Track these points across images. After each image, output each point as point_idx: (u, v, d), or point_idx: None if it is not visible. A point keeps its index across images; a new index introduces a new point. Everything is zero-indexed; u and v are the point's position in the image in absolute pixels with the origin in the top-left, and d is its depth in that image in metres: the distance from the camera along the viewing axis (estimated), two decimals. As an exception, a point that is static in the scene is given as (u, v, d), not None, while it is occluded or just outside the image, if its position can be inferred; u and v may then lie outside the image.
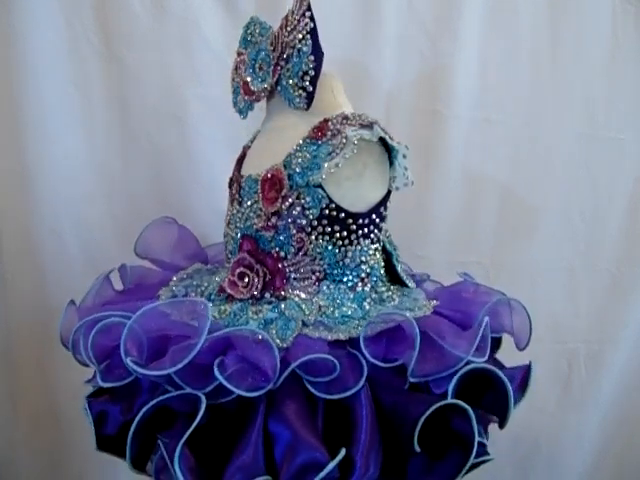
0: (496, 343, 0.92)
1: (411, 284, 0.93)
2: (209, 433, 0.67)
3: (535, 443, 1.60)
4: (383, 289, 0.87)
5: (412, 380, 0.71)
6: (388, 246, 0.91)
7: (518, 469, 1.61)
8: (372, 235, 0.84)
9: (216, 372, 0.65)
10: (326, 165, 0.76)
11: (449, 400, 0.68)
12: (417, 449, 0.65)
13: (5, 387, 1.37)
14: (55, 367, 1.36)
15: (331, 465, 0.61)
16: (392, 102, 1.35)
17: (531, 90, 1.38)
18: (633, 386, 1.56)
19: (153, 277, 1.03)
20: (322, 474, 0.61)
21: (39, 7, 1.18)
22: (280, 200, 0.79)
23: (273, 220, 0.80)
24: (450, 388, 0.70)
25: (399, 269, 0.91)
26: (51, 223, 1.28)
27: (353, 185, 0.80)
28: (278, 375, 0.67)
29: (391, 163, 0.84)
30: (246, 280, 0.84)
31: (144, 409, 0.67)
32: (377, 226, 0.84)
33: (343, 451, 0.63)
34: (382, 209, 0.85)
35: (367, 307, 0.82)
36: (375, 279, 0.86)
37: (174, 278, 0.98)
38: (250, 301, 0.83)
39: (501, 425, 0.76)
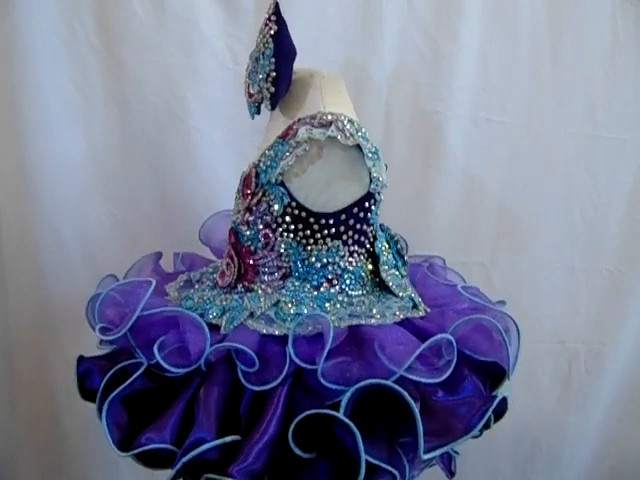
0: (492, 370, 0.84)
1: (402, 292, 0.88)
2: (153, 400, 0.76)
3: (535, 443, 1.60)
4: (357, 293, 0.85)
5: (324, 384, 0.70)
6: (378, 250, 0.87)
7: (518, 469, 1.62)
8: (345, 237, 0.82)
9: (155, 350, 0.73)
10: (281, 164, 0.79)
11: (315, 410, 0.67)
12: (297, 452, 0.67)
13: (5, 387, 1.37)
14: (55, 367, 1.37)
15: (205, 446, 0.67)
16: (392, 102, 1.35)
17: (531, 90, 1.38)
18: (633, 386, 1.56)
19: (201, 263, 1.08)
20: (195, 452, 0.67)
21: (39, 7, 1.18)
22: (250, 196, 0.83)
23: (247, 215, 0.84)
24: (344, 399, 0.68)
25: (384, 275, 0.87)
26: (51, 223, 1.28)
27: (311, 184, 0.80)
28: (205, 358, 0.73)
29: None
30: (229, 270, 0.89)
31: (110, 372, 0.77)
32: (352, 228, 0.83)
33: (227, 438, 0.69)
34: (357, 211, 0.82)
35: (328, 308, 0.82)
36: (350, 282, 0.85)
37: (210, 265, 1.04)
38: (225, 290, 0.88)
39: (412, 455, 0.71)
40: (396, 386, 0.68)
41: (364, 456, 0.65)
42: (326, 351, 0.70)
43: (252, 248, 0.85)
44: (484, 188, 1.43)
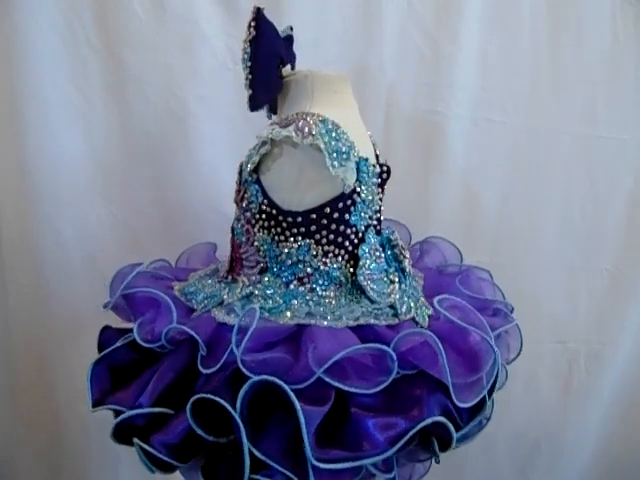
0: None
1: (381, 298, 0.84)
2: (135, 370, 0.82)
3: (535, 443, 1.60)
4: (329, 293, 0.84)
5: (244, 372, 0.70)
6: (362, 253, 0.85)
7: (518, 469, 1.62)
8: (317, 236, 0.82)
9: (135, 325, 0.82)
10: (250, 161, 0.83)
11: (202, 395, 0.70)
12: (199, 432, 0.71)
13: (5, 387, 1.37)
14: (55, 367, 1.37)
15: (133, 412, 0.74)
16: (392, 102, 1.35)
17: (531, 90, 1.38)
18: (633, 386, 1.56)
19: None
20: (124, 415, 0.75)
21: (39, 7, 1.18)
22: (236, 193, 0.87)
23: (236, 211, 0.88)
24: (242, 391, 0.68)
25: (361, 279, 0.84)
26: (51, 223, 1.28)
27: (279, 182, 0.81)
28: (167, 337, 0.79)
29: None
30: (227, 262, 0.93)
31: (117, 342, 0.85)
32: (326, 228, 0.82)
33: (155, 409, 0.74)
34: (329, 211, 0.81)
35: (295, 306, 0.82)
36: (322, 282, 0.84)
37: None
38: (220, 279, 0.92)
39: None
40: (281, 383, 0.67)
41: (246, 443, 0.66)
42: (245, 342, 0.71)
43: (239, 242, 0.88)
44: (484, 188, 1.43)
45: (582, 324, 1.53)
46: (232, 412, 0.67)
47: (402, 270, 0.90)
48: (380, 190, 0.87)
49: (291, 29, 0.94)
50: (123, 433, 0.76)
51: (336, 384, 0.70)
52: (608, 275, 1.50)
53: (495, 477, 1.61)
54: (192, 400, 0.70)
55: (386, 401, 0.73)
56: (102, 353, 0.83)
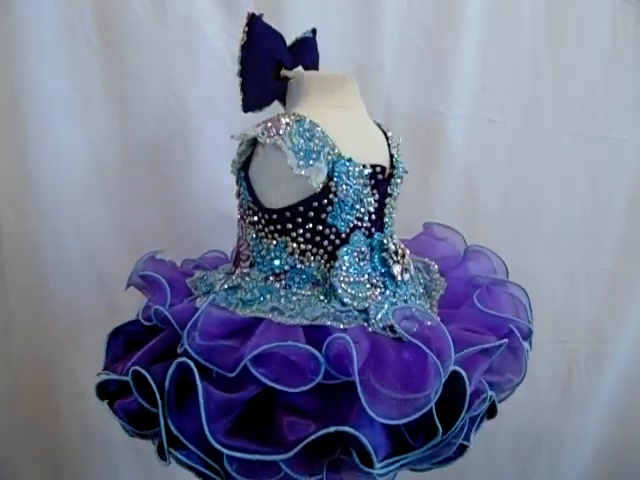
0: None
1: (354, 301, 0.81)
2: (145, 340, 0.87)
3: (535, 443, 1.60)
4: (304, 292, 0.83)
5: (193, 355, 0.73)
6: (342, 254, 0.83)
7: (518, 469, 1.62)
8: (294, 234, 0.82)
9: (142, 307, 0.89)
10: (233, 160, 0.86)
11: (137, 368, 0.75)
12: (140, 400, 0.76)
13: (5, 387, 1.37)
14: (55, 367, 1.37)
15: (103, 378, 0.83)
16: (392, 102, 1.35)
17: (531, 90, 1.38)
18: (633, 386, 1.56)
19: None
20: (100, 379, 0.83)
21: (39, 7, 1.18)
22: (235, 189, 0.89)
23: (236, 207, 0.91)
24: (169, 373, 0.72)
25: (334, 280, 0.81)
26: (51, 222, 1.28)
27: (259, 180, 0.83)
28: (158, 317, 0.84)
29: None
30: None
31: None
32: (302, 227, 0.81)
33: (122, 377, 0.80)
34: (303, 210, 0.80)
35: (268, 300, 0.83)
36: (298, 279, 0.83)
37: None
38: (227, 270, 0.96)
39: None
40: (192, 366, 0.70)
41: (162, 417, 0.70)
42: (189, 326, 0.74)
43: (238, 236, 0.91)
44: (484, 188, 1.43)
45: (582, 324, 1.53)
46: (153, 385, 0.71)
47: (391, 275, 0.86)
48: (377, 191, 0.85)
49: (313, 32, 0.96)
50: (104, 396, 0.83)
51: (260, 377, 0.70)
52: (608, 275, 1.50)
53: (495, 477, 1.61)
54: (131, 370, 0.76)
55: (319, 405, 0.72)
56: (116, 326, 0.90)
